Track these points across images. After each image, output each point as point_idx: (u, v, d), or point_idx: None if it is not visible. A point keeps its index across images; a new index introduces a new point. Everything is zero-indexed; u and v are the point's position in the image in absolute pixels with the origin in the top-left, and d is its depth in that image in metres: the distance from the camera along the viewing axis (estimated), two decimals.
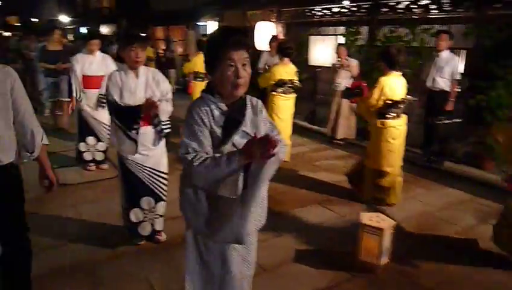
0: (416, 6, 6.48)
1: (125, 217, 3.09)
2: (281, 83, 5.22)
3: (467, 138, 5.62)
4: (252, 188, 1.57)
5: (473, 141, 5.47)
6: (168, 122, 3.02)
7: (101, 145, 4.91)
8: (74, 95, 4.62)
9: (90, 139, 4.83)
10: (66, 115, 6.64)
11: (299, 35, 8.67)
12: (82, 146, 4.83)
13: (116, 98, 2.81)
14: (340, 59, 6.41)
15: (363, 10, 7.31)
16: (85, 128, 4.76)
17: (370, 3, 7.12)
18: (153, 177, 3.00)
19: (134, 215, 3.01)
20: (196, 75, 7.34)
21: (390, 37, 6.64)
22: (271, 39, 7.27)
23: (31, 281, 2.30)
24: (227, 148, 1.61)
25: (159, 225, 3.18)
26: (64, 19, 28.54)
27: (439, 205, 4.24)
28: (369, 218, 2.87)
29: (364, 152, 4.42)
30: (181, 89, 11.64)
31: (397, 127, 3.93)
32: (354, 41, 7.20)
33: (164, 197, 3.12)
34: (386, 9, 6.90)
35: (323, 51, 7.73)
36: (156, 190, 3.05)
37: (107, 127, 4.66)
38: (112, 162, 5.10)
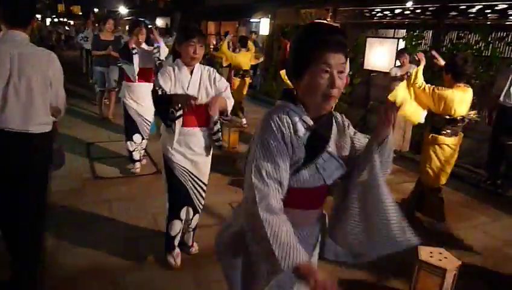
0: (490, 11, 5.83)
1: (166, 226, 2.83)
2: None
3: None
4: None
5: None
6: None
7: (145, 144, 4.61)
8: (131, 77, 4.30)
9: (137, 137, 4.45)
10: (112, 104, 6.68)
11: (355, 36, 8.18)
12: (130, 145, 4.46)
13: (165, 88, 2.53)
14: (401, 66, 5.90)
15: (429, 13, 6.72)
16: (131, 125, 4.42)
17: (437, 5, 6.53)
18: (195, 187, 2.73)
19: (173, 227, 2.76)
20: (237, 72, 7.30)
21: (458, 43, 6.03)
22: None
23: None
24: (308, 172, 1.30)
25: (191, 237, 2.98)
26: (123, 10, 29.57)
27: (506, 237, 3.69)
28: (429, 254, 2.45)
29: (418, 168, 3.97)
30: None
31: (450, 145, 3.52)
32: (416, 46, 6.63)
33: (200, 210, 2.87)
34: (455, 13, 6.29)
35: (380, 54, 7.19)
36: (196, 201, 2.79)
37: (149, 123, 4.52)
38: (150, 156, 4.97)
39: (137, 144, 4.46)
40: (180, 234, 2.83)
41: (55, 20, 32.75)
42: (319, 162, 1.30)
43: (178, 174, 2.63)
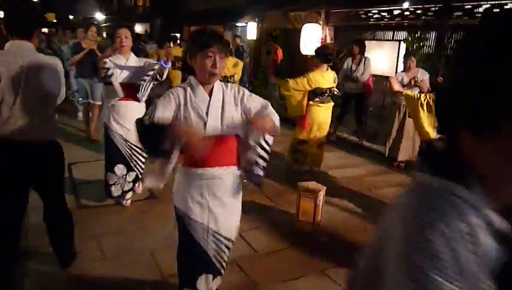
0: (499, 10, 5.53)
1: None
2: (319, 92, 4.73)
3: None
4: None
5: None
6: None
7: (132, 176, 3.72)
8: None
9: (120, 169, 3.62)
10: (95, 118, 6.02)
11: (350, 39, 7.82)
12: (109, 177, 3.63)
13: (159, 113, 1.87)
14: (406, 70, 5.52)
15: (431, 13, 6.40)
16: (113, 153, 3.59)
17: (439, 5, 6.20)
18: (219, 247, 2.09)
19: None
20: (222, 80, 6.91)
21: None
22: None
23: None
24: None
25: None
26: (99, 16, 28.68)
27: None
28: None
29: None
30: None
31: None
32: (418, 48, 6.29)
33: (223, 271, 2.22)
34: (460, 13, 5.98)
35: (380, 58, 6.85)
36: (218, 265, 2.14)
37: (141, 152, 3.68)
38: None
39: (119, 177, 3.62)
40: None
41: None
42: None
43: (197, 238, 2.01)
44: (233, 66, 7.15)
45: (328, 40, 8.54)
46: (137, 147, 3.58)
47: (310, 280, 2.80)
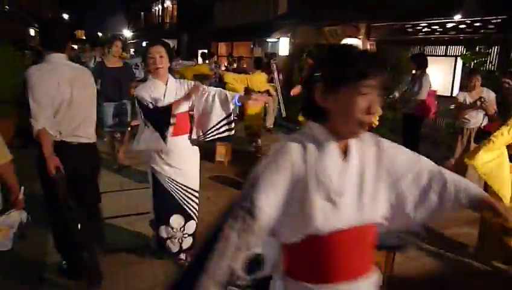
0: None
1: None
2: None
3: None
4: None
5: None
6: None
7: (191, 226, 2.91)
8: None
9: (176, 220, 2.83)
10: (124, 144, 5.26)
11: (396, 55, 7.22)
12: (164, 231, 2.84)
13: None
14: (470, 90, 4.88)
15: (491, 26, 5.76)
16: (165, 202, 2.82)
17: (503, 17, 5.56)
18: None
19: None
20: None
21: None
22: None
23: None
24: None
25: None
26: (127, 33, 29.12)
27: None
28: None
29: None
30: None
31: None
32: (480, 64, 5.63)
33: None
34: None
35: (432, 75, 6.21)
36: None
37: (196, 194, 2.94)
38: None
39: (176, 230, 2.84)
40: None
41: None
42: None
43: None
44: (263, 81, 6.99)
45: None
46: (191, 189, 2.88)
47: None
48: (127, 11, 35.16)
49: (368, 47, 8.04)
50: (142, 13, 31.30)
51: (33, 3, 17.64)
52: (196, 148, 2.95)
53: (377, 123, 4.84)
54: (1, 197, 2.18)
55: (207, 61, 12.70)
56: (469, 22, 5.98)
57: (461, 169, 4.94)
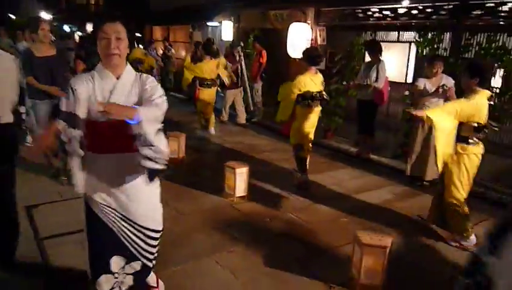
0: None
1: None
2: (308, 96, 4.47)
3: None
4: None
5: None
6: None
7: (135, 266, 2.23)
8: None
9: (116, 261, 2.16)
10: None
11: (347, 40, 7.07)
12: (104, 280, 2.14)
13: None
14: (430, 77, 4.83)
15: (443, 12, 5.78)
16: (102, 240, 2.13)
17: (455, 3, 5.59)
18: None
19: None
20: (202, 82, 6.67)
21: (489, 47, 5.10)
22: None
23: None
24: None
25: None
26: (45, 15, 26.26)
27: None
28: None
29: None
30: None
31: (477, 155, 3.47)
32: (433, 50, 5.62)
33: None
34: (480, 12, 5.39)
35: (387, 61, 6.14)
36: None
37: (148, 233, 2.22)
38: None
39: (119, 274, 2.18)
40: None
41: None
42: None
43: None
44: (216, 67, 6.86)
45: (320, 42, 7.77)
46: (140, 225, 2.17)
47: None
48: None
49: (318, 32, 7.83)
50: None
51: None
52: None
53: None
54: None
55: (140, 46, 11.78)
56: (421, 7, 5.97)
57: (423, 160, 4.93)
